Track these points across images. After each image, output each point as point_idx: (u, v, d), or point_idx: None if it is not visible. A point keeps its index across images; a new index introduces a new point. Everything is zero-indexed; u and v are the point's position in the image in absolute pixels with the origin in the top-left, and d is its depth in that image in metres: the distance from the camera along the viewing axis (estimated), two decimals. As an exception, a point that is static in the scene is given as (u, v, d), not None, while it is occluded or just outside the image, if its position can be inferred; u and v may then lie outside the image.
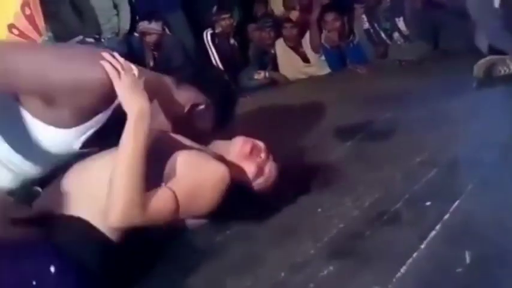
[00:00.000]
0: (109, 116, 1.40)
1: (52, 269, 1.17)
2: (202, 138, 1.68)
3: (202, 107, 1.64)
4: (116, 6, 4.64)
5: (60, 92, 1.27)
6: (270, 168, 1.64)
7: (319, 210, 1.78)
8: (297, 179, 1.98)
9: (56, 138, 1.36)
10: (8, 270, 1.17)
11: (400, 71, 3.94)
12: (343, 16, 4.53)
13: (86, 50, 1.59)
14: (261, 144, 1.65)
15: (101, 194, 1.27)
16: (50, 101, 1.27)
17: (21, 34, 3.63)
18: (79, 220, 1.32)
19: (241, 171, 1.57)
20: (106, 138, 1.41)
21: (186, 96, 1.62)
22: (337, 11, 4.51)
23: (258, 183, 1.61)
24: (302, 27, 4.91)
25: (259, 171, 1.60)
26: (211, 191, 1.42)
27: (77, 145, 1.40)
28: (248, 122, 3.31)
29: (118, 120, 1.35)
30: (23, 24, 3.66)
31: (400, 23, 4.32)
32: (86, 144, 1.42)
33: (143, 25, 4.59)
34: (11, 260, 1.17)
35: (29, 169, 1.43)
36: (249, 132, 1.76)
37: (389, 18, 4.38)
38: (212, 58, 4.73)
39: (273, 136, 2.30)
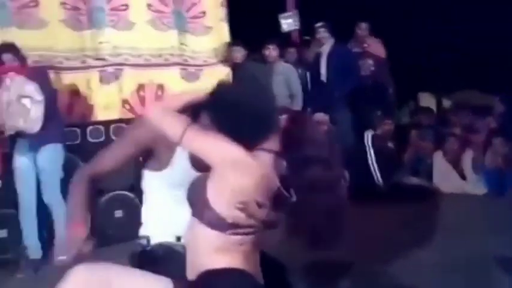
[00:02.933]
0: None
1: None
2: None
3: None
4: (291, 96, 5.20)
5: None
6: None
7: None
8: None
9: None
10: None
11: None
12: (509, 142, 4.50)
13: None
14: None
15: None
16: None
17: (131, 110, 4.41)
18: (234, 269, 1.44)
19: None
20: None
21: None
22: (505, 137, 4.50)
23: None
24: (464, 143, 4.96)
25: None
26: None
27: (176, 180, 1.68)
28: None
29: None
30: (135, 103, 4.44)
31: None
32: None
33: (319, 115, 5.06)
34: None
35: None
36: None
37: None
38: (369, 158, 4.97)
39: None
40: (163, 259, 1.67)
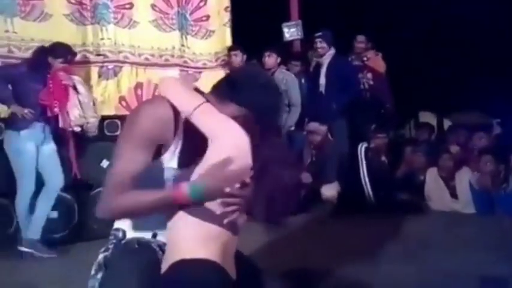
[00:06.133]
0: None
1: None
2: None
3: None
4: (289, 106, 5.24)
5: None
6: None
7: None
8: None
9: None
10: None
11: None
12: (498, 162, 4.52)
13: None
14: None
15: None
16: None
17: (128, 107, 4.44)
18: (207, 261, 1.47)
19: None
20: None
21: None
22: (494, 156, 4.52)
23: None
24: (459, 161, 4.98)
25: None
26: None
27: (174, 164, 1.62)
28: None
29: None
30: (132, 101, 4.48)
31: None
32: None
33: (313, 125, 5.09)
34: None
35: None
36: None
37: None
38: (361, 170, 5.00)
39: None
40: (136, 254, 1.63)
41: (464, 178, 4.82)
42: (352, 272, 2.92)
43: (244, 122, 1.54)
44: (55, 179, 3.63)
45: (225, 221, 1.49)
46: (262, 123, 1.58)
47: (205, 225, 1.48)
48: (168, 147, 1.61)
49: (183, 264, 1.46)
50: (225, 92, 1.58)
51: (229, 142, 1.50)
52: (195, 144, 1.59)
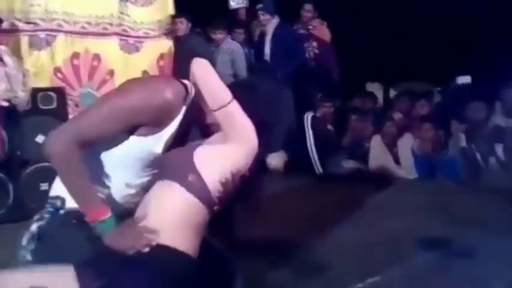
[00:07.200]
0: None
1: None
2: None
3: None
4: (235, 76, 5.14)
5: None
6: None
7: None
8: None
9: (142, 145, 1.56)
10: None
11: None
12: (438, 129, 4.66)
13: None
14: None
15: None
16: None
17: (64, 79, 4.23)
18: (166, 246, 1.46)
19: None
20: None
21: None
22: (434, 123, 4.64)
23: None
24: (402, 128, 5.08)
25: None
26: None
27: (158, 149, 1.59)
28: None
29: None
30: (68, 72, 4.28)
31: (499, 149, 4.33)
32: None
33: None
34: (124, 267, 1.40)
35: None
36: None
37: (489, 142, 4.41)
38: (307, 139, 5.01)
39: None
40: (76, 229, 1.53)
41: (406, 144, 4.93)
42: (298, 240, 2.95)
43: None
44: None
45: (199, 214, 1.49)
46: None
47: (194, 202, 1.48)
48: (154, 131, 1.55)
49: (163, 251, 1.43)
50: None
51: (247, 151, 1.55)
52: (183, 132, 1.61)
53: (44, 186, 3.73)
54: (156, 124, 1.55)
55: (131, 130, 1.54)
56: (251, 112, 1.58)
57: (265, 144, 1.68)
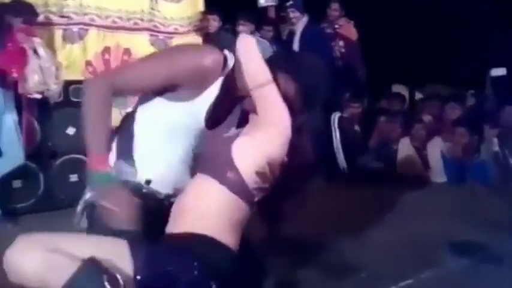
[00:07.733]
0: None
1: (196, 272, 1.35)
2: None
3: None
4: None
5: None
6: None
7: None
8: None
9: (183, 110, 1.60)
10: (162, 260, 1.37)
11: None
12: (471, 133, 4.56)
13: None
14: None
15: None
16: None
17: (94, 73, 4.21)
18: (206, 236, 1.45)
19: None
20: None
21: None
22: (466, 127, 4.56)
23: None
24: (432, 132, 5.00)
25: None
26: None
27: (200, 117, 1.62)
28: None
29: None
30: (99, 65, 4.30)
31: (532, 155, 4.23)
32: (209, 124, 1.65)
33: None
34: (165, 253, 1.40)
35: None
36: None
37: (522, 147, 4.32)
38: (334, 139, 4.95)
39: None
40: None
41: (436, 148, 4.85)
42: (328, 240, 2.93)
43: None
44: (12, 154, 3.40)
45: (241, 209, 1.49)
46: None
47: (234, 199, 1.47)
48: (193, 96, 1.58)
49: (205, 240, 1.43)
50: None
51: (281, 138, 1.52)
52: (222, 108, 1.63)
53: (73, 177, 3.79)
54: (193, 87, 1.58)
55: (169, 94, 1.60)
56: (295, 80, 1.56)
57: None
